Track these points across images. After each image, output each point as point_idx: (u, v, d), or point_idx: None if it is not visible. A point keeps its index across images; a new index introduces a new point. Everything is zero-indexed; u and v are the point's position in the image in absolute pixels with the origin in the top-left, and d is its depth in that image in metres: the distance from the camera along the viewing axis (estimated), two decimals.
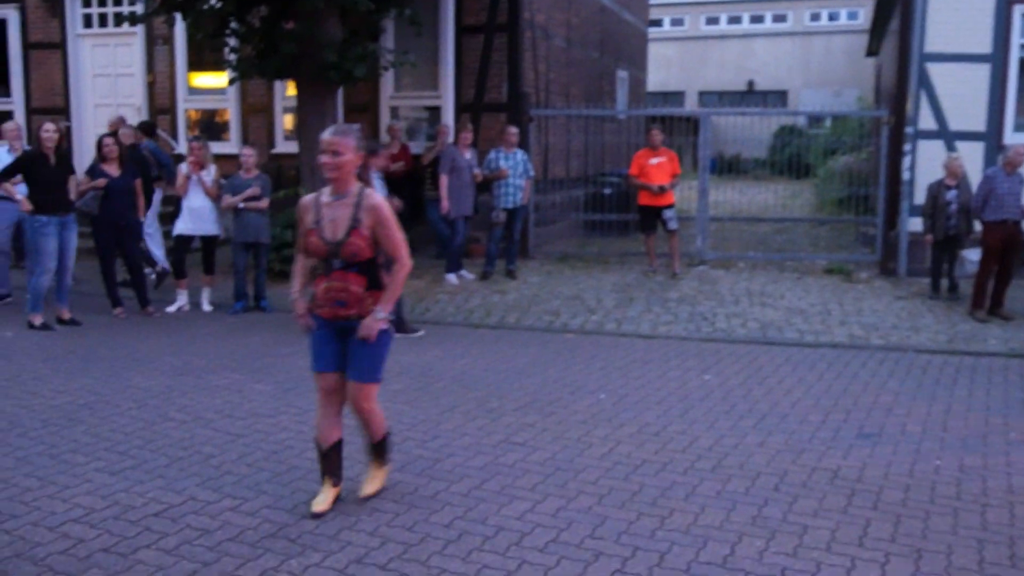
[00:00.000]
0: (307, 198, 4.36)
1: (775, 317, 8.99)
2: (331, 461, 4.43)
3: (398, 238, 4.23)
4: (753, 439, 5.43)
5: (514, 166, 10.73)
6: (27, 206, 8.20)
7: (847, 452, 5.23)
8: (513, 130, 10.89)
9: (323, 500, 4.38)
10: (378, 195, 4.29)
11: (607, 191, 14.03)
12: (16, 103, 14.48)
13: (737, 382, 6.71)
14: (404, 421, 5.67)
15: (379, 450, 4.58)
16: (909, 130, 10.92)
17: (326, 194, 4.28)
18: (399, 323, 8.17)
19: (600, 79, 16.51)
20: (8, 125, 9.98)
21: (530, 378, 6.78)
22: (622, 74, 18.02)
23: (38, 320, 8.31)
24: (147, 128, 11.47)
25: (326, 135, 4.19)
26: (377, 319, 4.20)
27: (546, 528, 4.16)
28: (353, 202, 4.19)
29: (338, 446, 4.45)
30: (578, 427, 5.62)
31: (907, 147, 10.94)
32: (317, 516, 4.28)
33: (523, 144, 11.41)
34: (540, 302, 9.70)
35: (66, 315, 8.55)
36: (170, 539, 4.03)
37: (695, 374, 6.94)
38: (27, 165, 8.31)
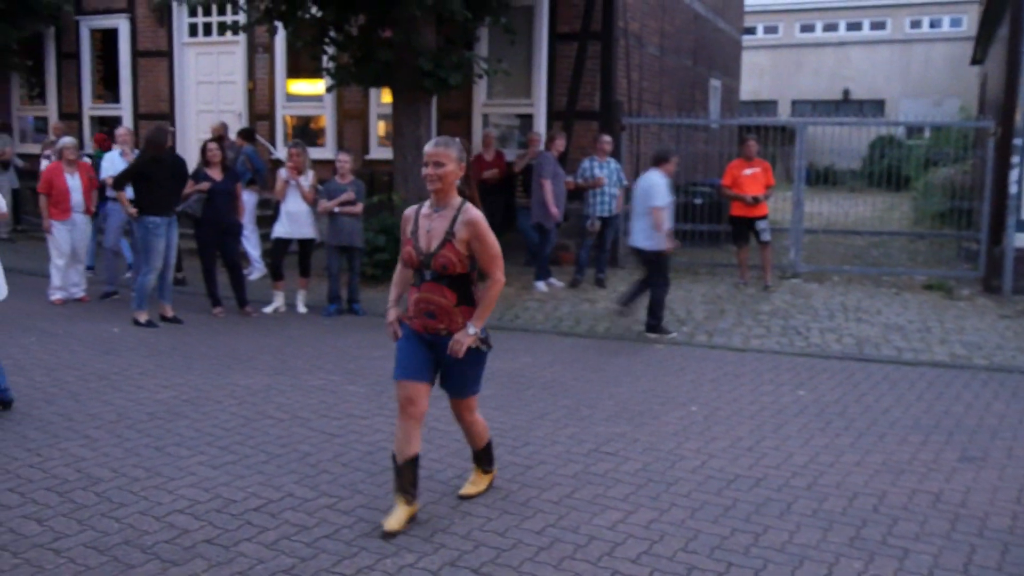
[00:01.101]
0: (409, 209, 4.39)
1: (872, 333, 8.75)
2: (405, 476, 4.21)
3: (494, 254, 4.20)
4: (850, 458, 5.29)
5: (608, 175, 10.71)
6: (134, 212, 8.64)
7: (950, 475, 5.06)
8: (607, 138, 10.88)
9: (396, 519, 4.17)
10: (476, 210, 4.22)
11: (698, 201, 13.88)
12: (124, 108, 15.11)
13: (832, 398, 6.56)
14: (495, 427, 5.67)
15: (482, 457, 4.65)
16: (1017, 141, 10.51)
17: (427, 206, 4.30)
18: (655, 325, 8.45)
19: (693, 88, 16.36)
20: (120, 130, 10.47)
21: (620, 388, 6.75)
22: (715, 83, 17.82)
23: (143, 317, 8.64)
24: (247, 134, 11.84)
25: (428, 147, 4.19)
26: (468, 335, 4.16)
27: (638, 539, 4.14)
28: (451, 215, 4.19)
29: (414, 461, 4.23)
30: (670, 439, 5.57)
31: (1015, 159, 10.53)
32: (389, 536, 4.10)
33: (615, 152, 11.36)
34: (630, 312, 9.62)
35: (169, 312, 8.87)
36: (269, 533, 4.15)
37: (788, 389, 6.80)
38: (144, 170, 8.67)
